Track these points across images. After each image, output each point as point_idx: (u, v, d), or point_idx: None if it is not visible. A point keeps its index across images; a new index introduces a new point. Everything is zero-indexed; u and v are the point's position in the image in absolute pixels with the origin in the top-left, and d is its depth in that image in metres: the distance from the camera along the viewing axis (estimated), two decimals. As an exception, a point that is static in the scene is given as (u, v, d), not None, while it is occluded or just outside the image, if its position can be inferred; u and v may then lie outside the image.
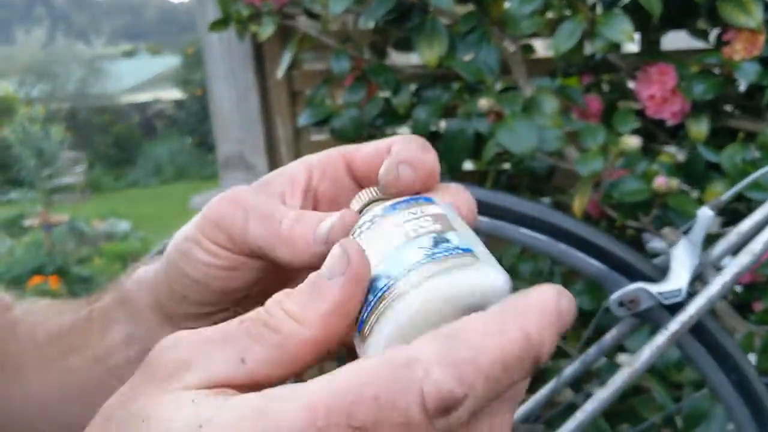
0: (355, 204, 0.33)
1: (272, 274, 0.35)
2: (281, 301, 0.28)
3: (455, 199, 0.33)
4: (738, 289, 1.24)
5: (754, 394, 0.61)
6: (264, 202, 0.33)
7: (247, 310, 0.29)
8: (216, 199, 0.34)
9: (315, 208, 0.36)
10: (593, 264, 0.62)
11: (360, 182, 0.36)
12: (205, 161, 12.86)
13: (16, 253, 6.14)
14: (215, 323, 0.32)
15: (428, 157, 0.33)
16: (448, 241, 0.27)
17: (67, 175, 10.78)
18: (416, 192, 0.32)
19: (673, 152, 1.27)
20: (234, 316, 0.28)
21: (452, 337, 0.23)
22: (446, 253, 0.27)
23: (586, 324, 1.27)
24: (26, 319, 0.45)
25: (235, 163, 1.41)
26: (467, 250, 0.27)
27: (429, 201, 0.31)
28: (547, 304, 0.24)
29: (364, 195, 0.33)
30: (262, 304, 0.29)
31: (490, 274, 0.26)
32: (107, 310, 0.41)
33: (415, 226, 0.28)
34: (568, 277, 1.26)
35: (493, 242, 1.38)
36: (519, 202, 0.63)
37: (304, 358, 0.27)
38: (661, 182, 1.09)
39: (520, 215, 0.63)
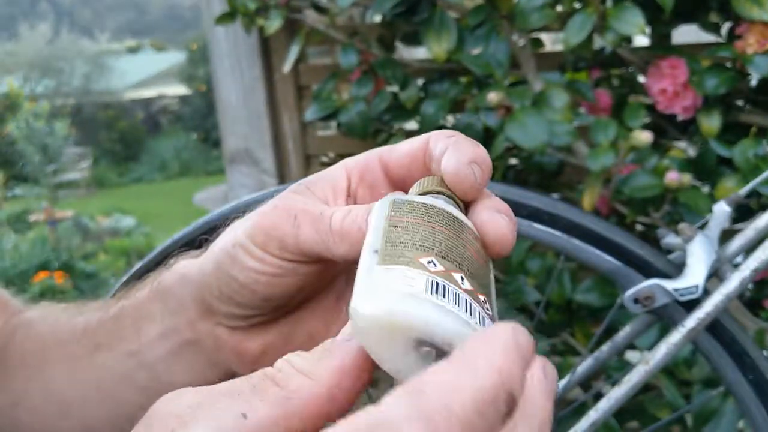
0: (415, 189, 0.33)
1: (315, 283, 0.36)
2: (290, 359, 0.27)
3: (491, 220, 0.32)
4: (749, 286, 1.23)
5: (772, 393, 0.60)
6: (312, 205, 0.34)
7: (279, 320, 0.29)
8: (269, 207, 0.35)
9: None
10: (607, 260, 0.60)
11: (395, 185, 0.36)
12: (210, 157, 12.87)
13: (21, 248, 6.15)
14: (252, 326, 0.33)
15: (486, 155, 0.33)
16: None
17: (72, 171, 10.80)
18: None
19: (684, 148, 1.25)
20: (271, 322, 0.29)
21: (420, 391, 0.22)
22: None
23: (596, 321, 1.26)
24: (45, 320, 0.45)
25: (241, 157, 1.40)
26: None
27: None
28: (506, 342, 0.23)
29: (426, 183, 0.33)
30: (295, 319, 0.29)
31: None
32: (142, 305, 0.41)
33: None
34: (577, 274, 1.25)
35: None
36: (532, 197, 0.62)
37: (313, 413, 0.26)
38: (673, 177, 1.08)
39: (533, 210, 0.61)
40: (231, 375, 0.37)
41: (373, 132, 1.26)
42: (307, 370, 0.26)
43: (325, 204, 0.35)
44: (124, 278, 0.76)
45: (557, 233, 0.62)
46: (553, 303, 1.23)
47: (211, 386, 0.27)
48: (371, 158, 0.36)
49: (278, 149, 1.41)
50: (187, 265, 0.39)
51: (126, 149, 13.56)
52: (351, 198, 0.36)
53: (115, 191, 11.47)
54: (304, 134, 1.42)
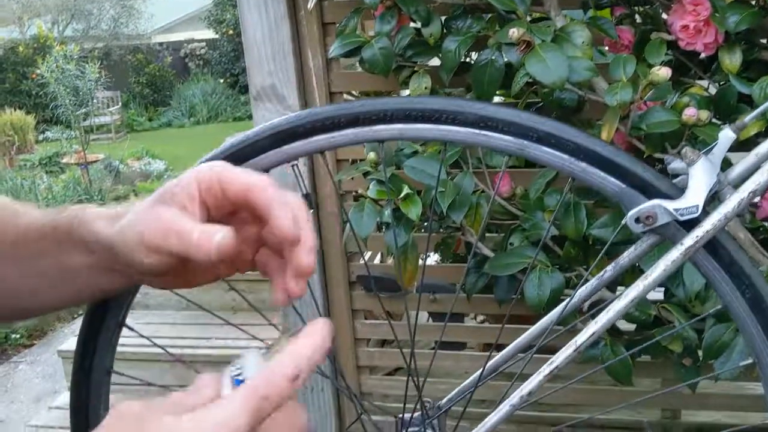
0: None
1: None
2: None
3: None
4: (767, 225, 1.25)
5: (768, 312, 0.63)
6: (178, 220, 0.48)
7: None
8: (153, 225, 0.49)
9: (206, 213, 0.51)
10: (613, 182, 0.63)
11: (229, 200, 0.50)
12: (238, 102, 12.89)
13: (54, 190, 6.29)
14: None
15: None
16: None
17: (102, 115, 10.90)
18: None
19: (705, 86, 1.25)
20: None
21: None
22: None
23: (611, 256, 1.29)
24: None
25: (267, 94, 1.43)
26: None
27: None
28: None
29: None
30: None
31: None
32: (71, 231, 0.55)
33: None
34: (593, 210, 1.27)
35: (520, 176, 1.39)
36: (541, 121, 0.64)
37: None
38: (691, 113, 1.09)
39: (543, 134, 0.64)
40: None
41: (395, 68, 1.28)
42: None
43: (183, 209, 0.49)
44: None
45: (564, 156, 0.64)
46: (570, 238, 1.26)
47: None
48: (213, 180, 0.49)
49: (303, 86, 1.44)
50: (106, 227, 0.53)
51: (155, 93, 13.62)
52: (203, 204, 0.50)
53: (144, 135, 11.59)
54: (329, 70, 1.44)
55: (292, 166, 0.77)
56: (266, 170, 0.74)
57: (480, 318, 1.91)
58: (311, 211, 1.45)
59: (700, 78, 1.26)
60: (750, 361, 1.11)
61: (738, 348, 1.20)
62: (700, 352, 1.30)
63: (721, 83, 1.20)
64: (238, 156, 0.71)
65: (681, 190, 0.62)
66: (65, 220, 0.56)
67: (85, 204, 0.60)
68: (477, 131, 0.66)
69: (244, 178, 0.49)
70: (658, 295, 1.30)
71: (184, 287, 0.58)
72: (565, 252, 1.29)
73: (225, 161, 0.52)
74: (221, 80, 13.46)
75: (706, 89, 1.23)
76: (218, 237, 0.46)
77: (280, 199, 0.48)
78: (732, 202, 0.60)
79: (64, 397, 2.96)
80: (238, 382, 0.41)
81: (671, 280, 1.22)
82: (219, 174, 0.50)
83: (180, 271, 0.53)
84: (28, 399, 3.43)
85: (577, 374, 0.85)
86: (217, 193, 0.50)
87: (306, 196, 1.13)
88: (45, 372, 3.70)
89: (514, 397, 0.66)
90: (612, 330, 1.33)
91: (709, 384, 1.45)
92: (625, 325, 1.36)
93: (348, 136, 0.68)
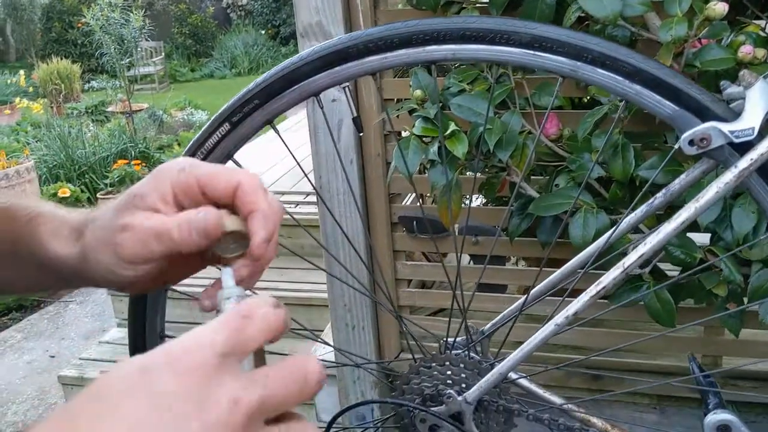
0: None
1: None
2: None
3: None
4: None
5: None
6: (153, 224, 0.47)
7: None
8: (127, 237, 0.48)
9: (179, 211, 0.49)
10: (667, 104, 0.62)
11: (209, 201, 0.48)
12: (279, 54, 12.87)
13: (100, 137, 6.40)
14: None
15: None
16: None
17: (146, 65, 10.99)
18: None
19: (763, 26, 1.22)
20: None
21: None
22: None
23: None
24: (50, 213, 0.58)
25: (314, 32, 1.43)
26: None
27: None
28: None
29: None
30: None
31: None
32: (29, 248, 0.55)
33: None
34: (642, 153, 1.26)
35: (568, 117, 1.37)
36: (596, 42, 0.63)
37: None
38: (747, 51, 1.07)
39: (597, 54, 0.63)
40: None
41: (443, 4, 1.27)
42: None
43: (155, 210, 0.48)
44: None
45: (618, 78, 0.64)
46: (617, 179, 1.25)
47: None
48: (191, 182, 0.48)
49: (350, 23, 1.43)
50: (65, 246, 0.53)
51: (197, 44, 13.66)
52: (177, 206, 0.48)
53: (187, 86, 11.67)
54: (376, 8, 1.43)
55: (344, 88, 0.78)
56: (317, 93, 0.75)
57: (521, 264, 1.92)
58: (360, 134, 1.46)
59: (758, 18, 1.22)
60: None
61: (784, 293, 1.19)
62: (745, 300, 1.29)
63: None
64: (291, 77, 0.72)
65: (737, 114, 0.62)
66: (25, 233, 0.55)
67: (41, 201, 0.59)
68: (530, 52, 0.65)
69: (229, 177, 0.48)
70: (705, 240, 1.29)
71: (159, 287, 0.56)
72: (611, 194, 1.29)
73: (194, 159, 0.51)
74: (263, 31, 13.43)
75: (763, 29, 1.19)
76: (200, 217, 0.46)
77: (265, 209, 0.47)
78: (790, 123, 0.59)
79: (113, 333, 3.07)
80: None
81: (719, 224, 1.21)
82: (197, 176, 0.48)
83: (159, 273, 0.51)
84: (78, 336, 3.56)
85: (619, 318, 0.85)
86: (194, 194, 0.48)
87: (355, 120, 1.13)
88: (94, 311, 3.83)
89: (560, 317, 0.67)
90: (656, 273, 1.32)
91: (751, 333, 1.44)
92: (671, 271, 1.35)
93: (400, 57, 0.68)
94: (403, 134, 1.41)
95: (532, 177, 1.45)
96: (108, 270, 0.49)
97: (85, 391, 0.36)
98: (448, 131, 1.24)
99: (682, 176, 0.68)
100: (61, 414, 0.35)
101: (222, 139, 0.76)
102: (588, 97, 1.45)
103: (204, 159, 0.77)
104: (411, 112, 1.30)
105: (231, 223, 0.47)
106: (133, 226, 0.48)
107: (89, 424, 0.34)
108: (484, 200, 1.66)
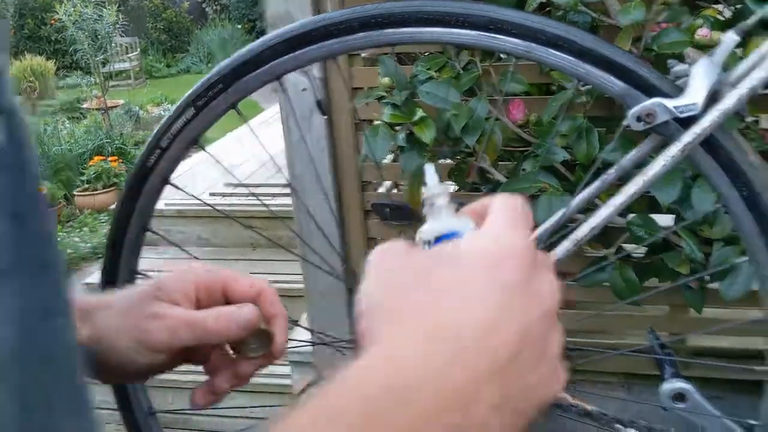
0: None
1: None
2: None
3: None
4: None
5: (764, 210, 0.66)
6: (183, 314, 0.51)
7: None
8: (157, 324, 0.51)
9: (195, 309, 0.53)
10: (616, 83, 0.65)
11: (231, 302, 0.53)
12: (256, 48, 12.79)
13: (76, 134, 6.35)
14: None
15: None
16: None
17: (122, 61, 10.90)
18: None
19: (721, 10, 1.25)
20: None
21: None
22: None
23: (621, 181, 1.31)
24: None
25: (282, 21, 1.44)
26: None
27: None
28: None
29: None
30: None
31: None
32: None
33: None
34: (605, 136, 1.29)
35: (534, 104, 1.40)
36: (550, 23, 0.66)
37: None
38: (704, 34, 1.10)
39: (551, 36, 0.66)
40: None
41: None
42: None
43: (174, 302, 0.51)
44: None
45: (570, 58, 0.66)
46: (580, 162, 1.28)
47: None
48: (215, 283, 0.53)
49: (318, 13, 1.45)
50: (110, 317, 0.53)
51: (172, 39, 13.56)
52: (196, 304, 0.53)
53: (163, 82, 11.58)
54: (344, -2, 1.44)
55: (305, 72, 0.80)
56: (280, 76, 0.77)
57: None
58: (324, 117, 1.47)
59: (716, 2, 1.25)
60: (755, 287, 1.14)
61: (743, 272, 1.23)
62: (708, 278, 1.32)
63: (737, 5, 1.19)
64: (254, 61, 0.74)
65: (682, 91, 0.64)
66: None
67: None
68: (487, 34, 0.68)
69: (252, 282, 0.54)
70: (668, 221, 1.33)
71: (155, 375, 0.57)
72: (576, 177, 1.31)
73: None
74: (239, 26, 13.35)
75: (720, 12, 1.23)
76: (245, 311, 0.51)
77: (285, 315, 0.54)
78: (731, 98, 0.61)
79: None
80: (444, 238, 0.42)
81: (680, 203, 1.24)
82: (223, 280, 0.53)
83: (163, 364, 0.54)
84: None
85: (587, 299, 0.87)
86: (215, 292, 0.53)
87: (318, 103, 1.15)
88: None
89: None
90: (622, 255, 1.35)
91: (713, 312, 1.48)
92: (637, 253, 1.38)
93: (360, 40, 0.70)
94: (375, 123, 1.43)
95: (500, 162, 1.48)
96: (124, 355, 0.51)
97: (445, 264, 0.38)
98: (416, 117, 1.26)
99: (633, 152, 0.71)
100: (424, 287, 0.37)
101: (187, 123, 0.77)
102: (557, 84, 1.47)
103: (170, 144, 0.79)
104: (380, 99, 1.32)
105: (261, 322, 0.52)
106: (164, 315, 0.51)
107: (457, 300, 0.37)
108: (456, 187, 1.69)
